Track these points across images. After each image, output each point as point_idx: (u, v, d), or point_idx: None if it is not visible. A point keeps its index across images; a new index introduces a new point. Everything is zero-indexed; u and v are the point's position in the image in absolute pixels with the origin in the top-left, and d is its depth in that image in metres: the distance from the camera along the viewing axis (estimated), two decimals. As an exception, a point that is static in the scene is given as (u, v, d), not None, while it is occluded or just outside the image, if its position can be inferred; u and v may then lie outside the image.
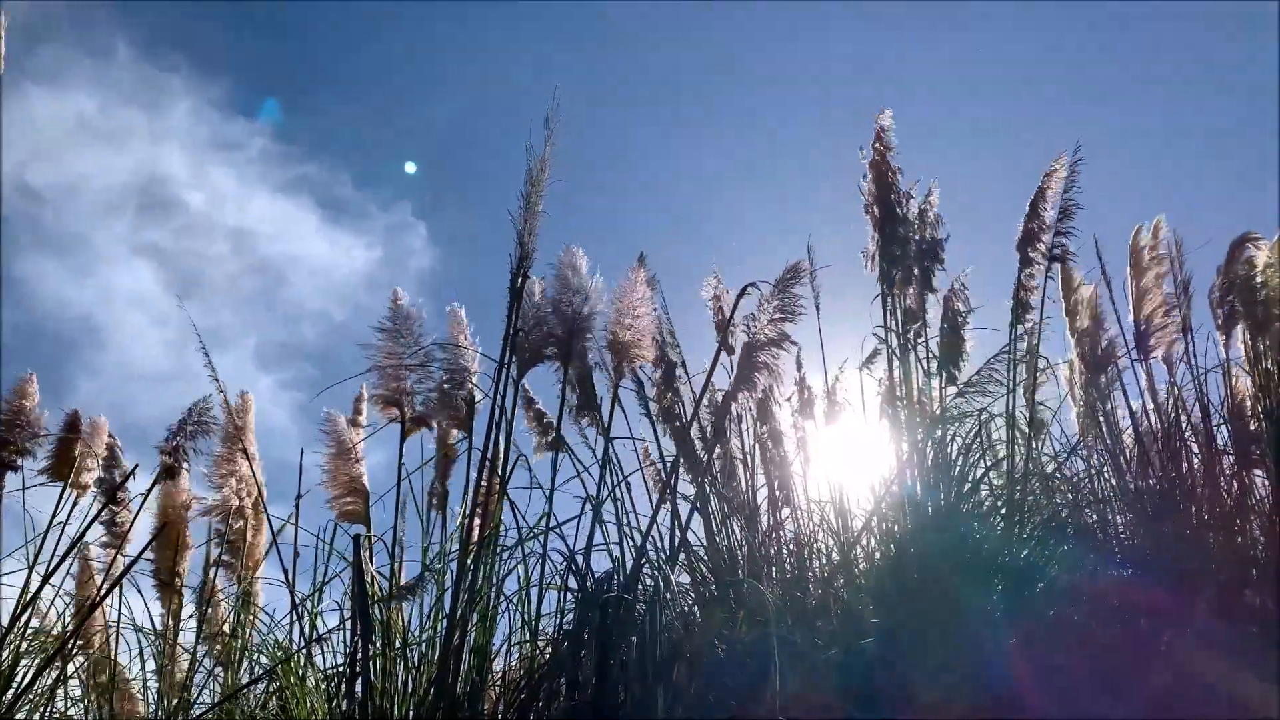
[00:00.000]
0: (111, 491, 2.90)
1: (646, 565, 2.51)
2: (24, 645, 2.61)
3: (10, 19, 2.47)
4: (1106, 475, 3.14)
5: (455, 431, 3.27)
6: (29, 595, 2.60)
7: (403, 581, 2.78)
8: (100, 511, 2.83)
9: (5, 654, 2.51)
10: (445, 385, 2.82)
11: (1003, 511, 2.77)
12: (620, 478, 2.73)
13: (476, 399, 2.88)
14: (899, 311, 2.92)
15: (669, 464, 2.98)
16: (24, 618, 2.53)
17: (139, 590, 3.00)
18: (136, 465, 2.81)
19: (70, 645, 2.71)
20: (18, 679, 2.59)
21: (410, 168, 8.44)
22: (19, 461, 2.79)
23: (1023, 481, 2.82)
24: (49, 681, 2.68)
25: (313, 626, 2.71)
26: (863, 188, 3.04)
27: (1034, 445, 2.91)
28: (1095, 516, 3.02)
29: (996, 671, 2.55)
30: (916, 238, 2.92)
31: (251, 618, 2.95)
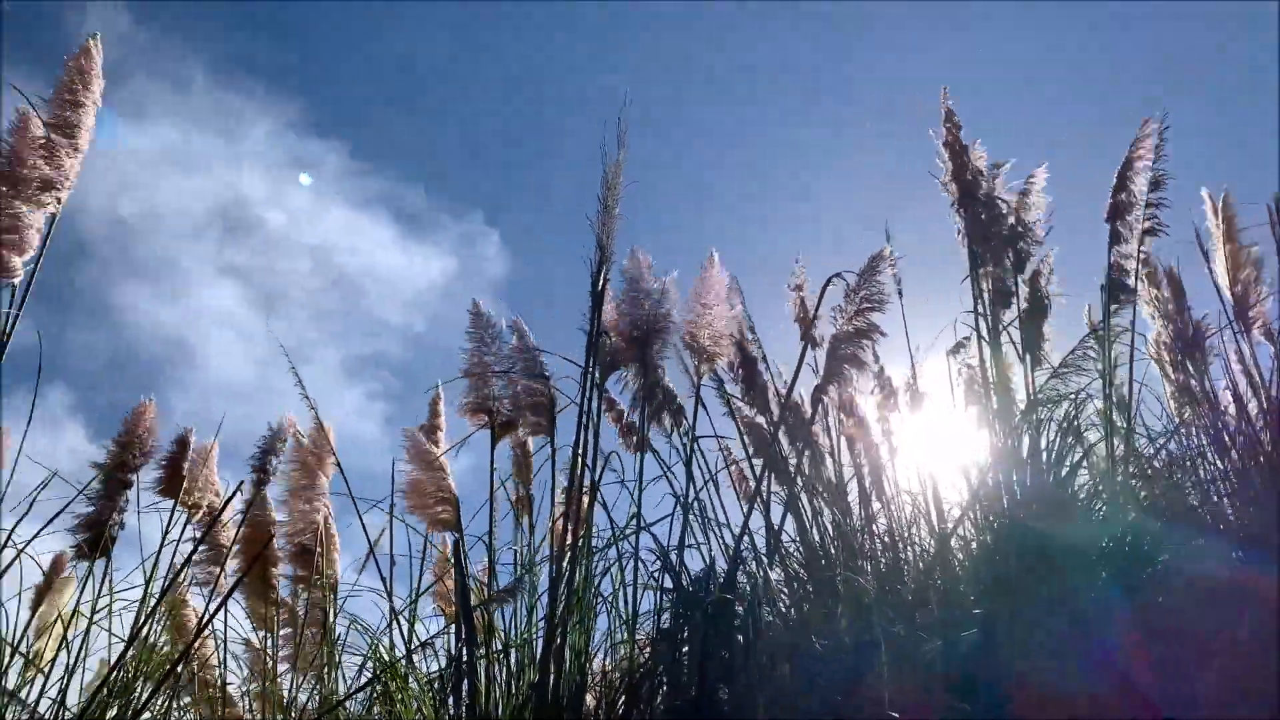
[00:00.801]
0: (214, 513, 3.00)
1: (740, 563, 2.51)
2: (140, 664, 2.71)
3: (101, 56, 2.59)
4: (1210, 456, 3.03)
5: (534, 437, 3.31)
6: (146, 612, 2.70)
7: (493, 585, 2.82)
8: (208, 531, 2.93)
9: (127, 671, 2.60)
10: (533, 389, 2.85)
11: (1104, 496, 2.69)
12: (708, 476, 2.73)
13: (559, 404, 2.91)
14: (986, 294, 2.87)
15: (757, 461, 2.96)
16: (143, 633, 2.63)
17: (239, 605, 3.10)
18: (242, 482, 2.90)
19: (182, 663, 2.80)
20: (135, 695, 2.69)
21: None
22: (133, 479, 2.90)
23: (1123, 464, 2.73)
24: (164, 699, 2.77)
25: (412, 630, 2.76)
26: (939, 170, 2.99)
27: (1132, 426, 2.82)
28: (1200, 499, 2.91)
29: (1105, 660, 2.48)
30: (1012, 220, 2.86)
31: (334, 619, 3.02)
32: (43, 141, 2.35)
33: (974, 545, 2.72)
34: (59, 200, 2.38)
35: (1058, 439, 2.68)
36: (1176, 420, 3.16)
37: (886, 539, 2.77)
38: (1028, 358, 2.86)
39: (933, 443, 3.12)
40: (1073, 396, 2.71)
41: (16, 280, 2.31)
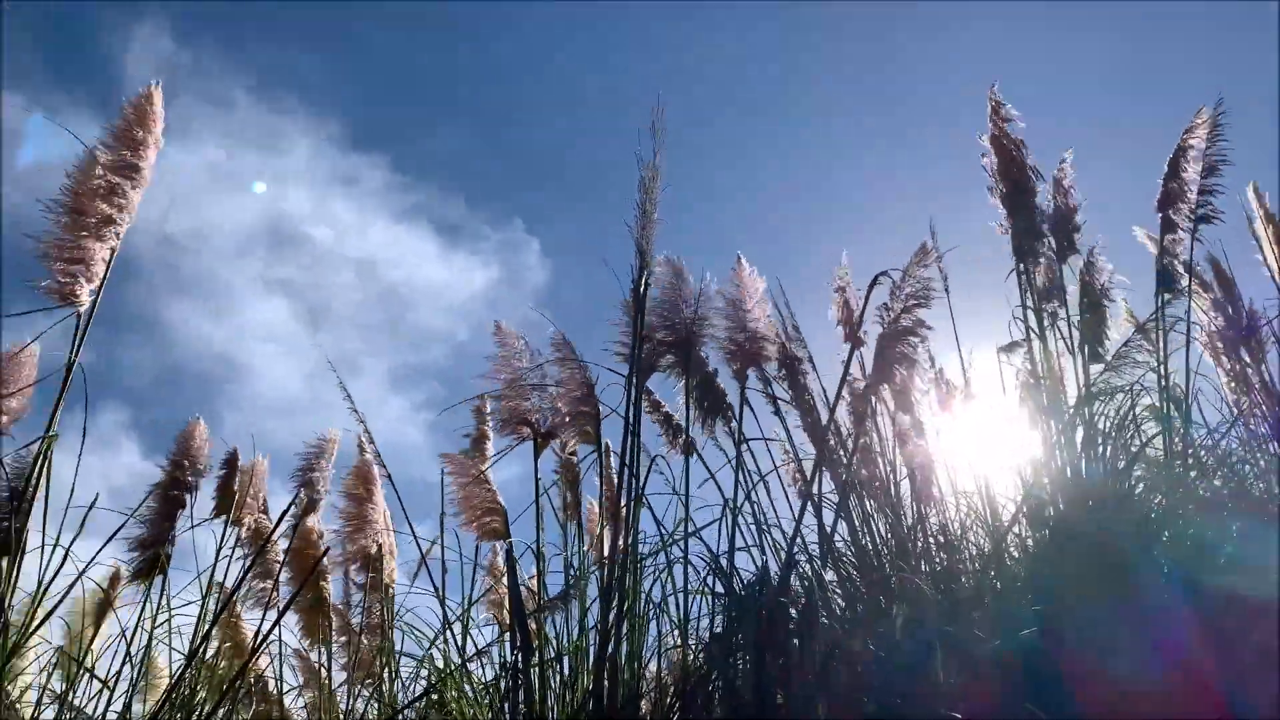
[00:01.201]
0: (265, 533, 3.06)
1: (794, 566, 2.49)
2: (201, 679, 2.76)
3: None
4: (1273, 445, 2.94)
5: (580, 444, 3.32)
6: (204, 629, 2.74)
7: (542, 592, 2.83)
8: (262, 548, 2.98)
9: (187, 686, 2.65)
10: (574, 397, 2.86)
11: (1162, 489, 2.63)
12: (757, 479, 2.72)
13: (602, 411, 2.91)
14: (1034, 288, 2.82)
15: (804, 462, 2.94)
16: (201, 650, 2.67)
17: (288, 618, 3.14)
18: (295, 499, 2.94)
19: (240, 679, 2.84)
20: (198, 708, 2.74)
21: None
22: (186, 499, 2.96)
23: (1181, 457, 2.67)
24: (224, 712, 2.82)
25: (465, 635, 2.77)
26: (985, 165, 2.95)
27: (1189, 418, 2.76)
28: (1263, 489, 2.83)
29: (1169, 657, 2.42)
30: (1051, 209, 2.81)
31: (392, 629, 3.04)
32: (105, 180, 2.42)
33: (1029, 542, 2.68)
34: (118, 235, 2.44)
35: (1113, 432, 2.62)
36: (1234, 410, 3.08)
37: (940, 537, 2.73)
38: (1085, 350, 2.81)
39: (985, 439, 3.08)
40: (1127, 389, 2.65)
41: (83, 309, 2.37)
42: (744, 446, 2.74)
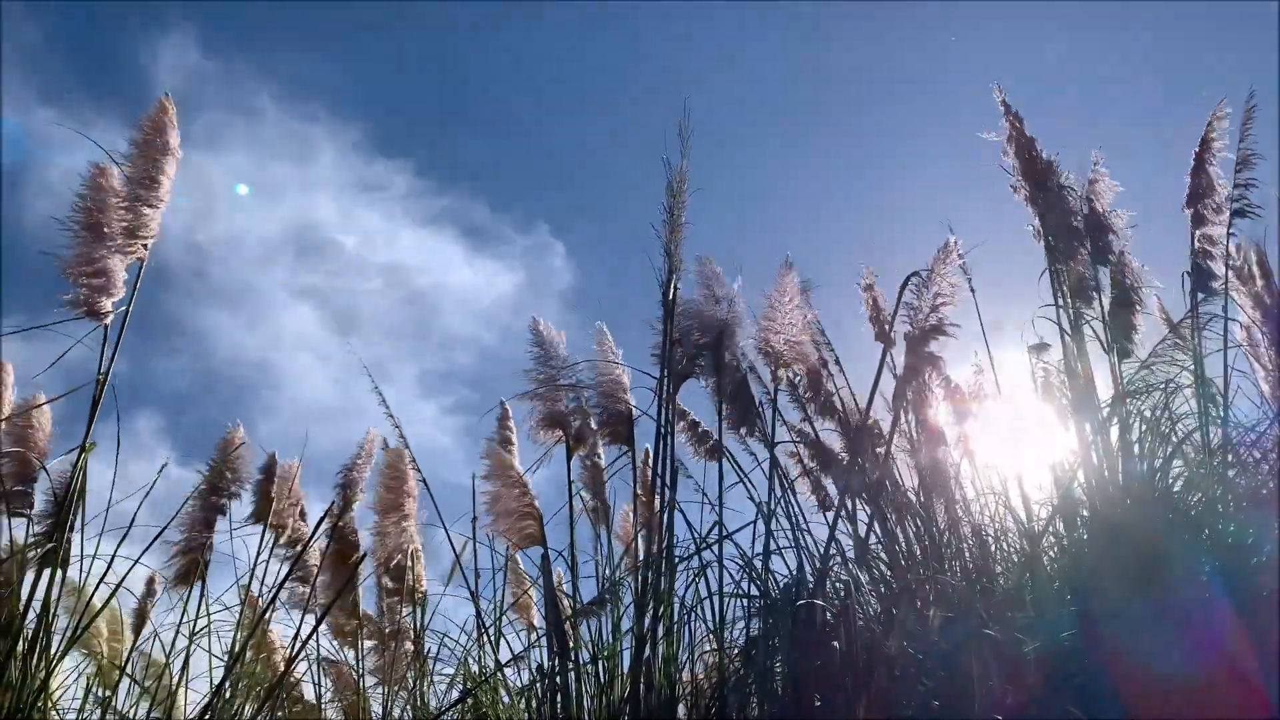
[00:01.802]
0: (302, 535, 3.09)
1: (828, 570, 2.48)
2: (241, 686, 2.79)
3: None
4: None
5: (610, 446, 3.31)
6: (242, 635, 2.77)
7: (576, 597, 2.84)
8: (301, 552, 3.00)
9: (228, 693, 2.68)
10: (608, 398, 2.87)
11: (1201, 487, 2.60)
12: (788, 482, 2.71)
13: (634, 414, 2.92)
14: (1066, 287, 2.79)
15: (838, 467, 2.93)
16: (243, 658, 2.70)
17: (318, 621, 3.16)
18: (332, 504, 2.97)
19: (279, 688, 2.87)
20: (238, 713, 2.77)
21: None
22: (225, 506, 2.99)
23: (1220, 454, 2.63)
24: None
25: (497, 643, 2.79)
26: (1006, 165, 2.93)
27: (1227, 416, 2.72)
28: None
29: (1212, 656, 2.40)
30: (1085, 211, 2.79)
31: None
32: (124, 194, 2.44)
33: (1065, 541, 2.65)
34: (145, 247, 2.47)
35: (1149, 431, 2.59)
36: (1275, 406, 3.03)
37: (973, 539, 2.71)
38: (1115, 350, 2.78)
39: (1016, 440, 3.05)
40: (1162, 387, 2.62)
41: (108, 322, 2.39)
42: (775, 449, 2.74)
